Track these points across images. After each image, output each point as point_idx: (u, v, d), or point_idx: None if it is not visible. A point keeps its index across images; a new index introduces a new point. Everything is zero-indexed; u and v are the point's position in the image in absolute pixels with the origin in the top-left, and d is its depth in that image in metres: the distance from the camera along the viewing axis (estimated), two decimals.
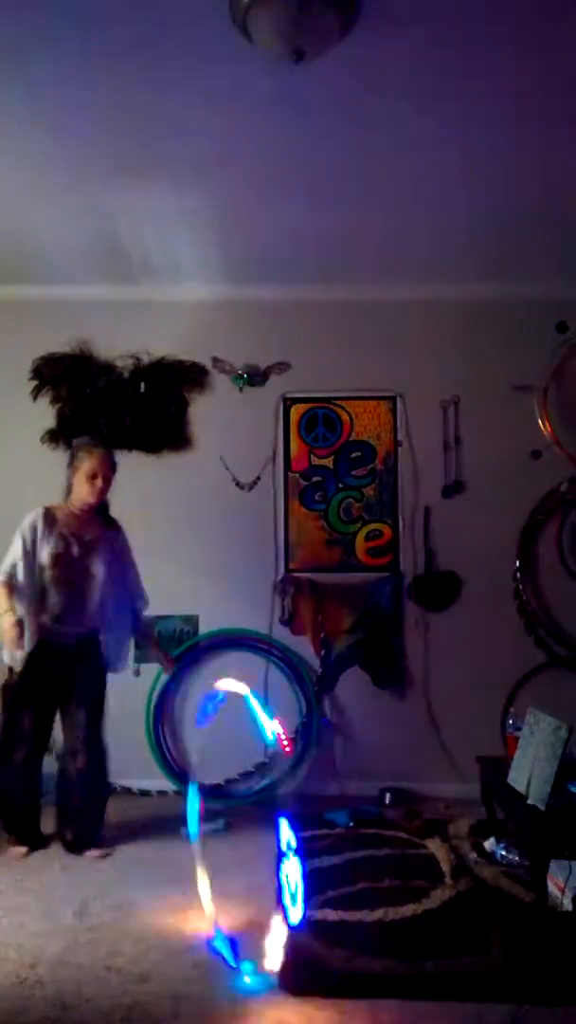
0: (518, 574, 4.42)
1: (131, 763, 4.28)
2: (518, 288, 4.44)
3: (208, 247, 4.06)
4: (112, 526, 3.55)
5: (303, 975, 2.38)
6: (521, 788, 3.05)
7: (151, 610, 4.33)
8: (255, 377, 4.53)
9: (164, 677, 4.33)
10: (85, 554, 3.40)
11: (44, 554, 3.31)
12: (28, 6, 2.38)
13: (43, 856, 3.37)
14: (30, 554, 3.32)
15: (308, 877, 2.99)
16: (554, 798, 2.85)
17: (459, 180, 3.39)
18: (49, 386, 4.50)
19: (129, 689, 4.35)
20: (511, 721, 4.16)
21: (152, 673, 4.36)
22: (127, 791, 4.29)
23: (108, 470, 3.43)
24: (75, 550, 3.38)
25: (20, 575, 3.28)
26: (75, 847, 3.37)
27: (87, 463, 3.40)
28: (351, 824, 3.68)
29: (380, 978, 2.35)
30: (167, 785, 4.31)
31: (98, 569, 3.40)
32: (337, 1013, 2.21)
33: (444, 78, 2.70)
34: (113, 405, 4.46)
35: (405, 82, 2.73)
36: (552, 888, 2.76)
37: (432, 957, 2.44)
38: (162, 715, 4.40)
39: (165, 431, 4.48)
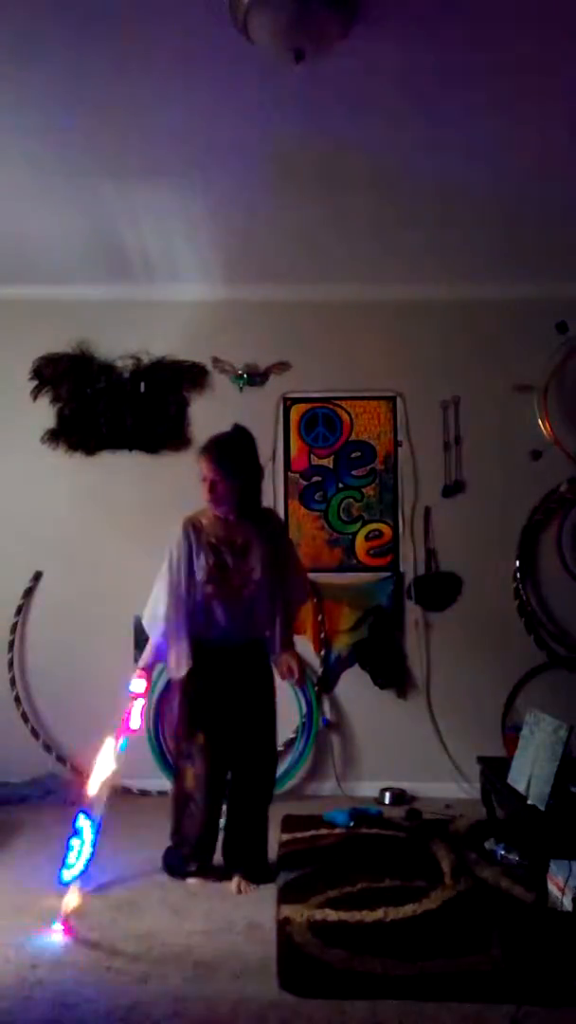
0: (518, 574, 4.42)
1: (131, 763, 4.27)
2: (518, 288, 4.44)
3: (208, 247, 4.06)
4: (263, 520, 3.22)
5: (303, 975, 2.38)
6: (521, 788, 3.05)
7: None
8: (255, 377, 4.53)
9: (164, 677, 4.32)
10: (241, 561, 3.11)
11: (199, 573, 3.07)
12: (28, 7, 2.38)
13: (44, 856, 3.37)
14: (179, 580, 3.07)
15: (307, 877, 3.00)
16: (554, 798, 2.85)
17: (459, 180, 3.39)
18: (49, 386, 4.51)
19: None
20: (511, 721, 4.18)
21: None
22: (127, 791, 4.29)
23: (215, 473, 3.08)
24: (229, 560, 3.10)
25: (172, 607, 3.07)
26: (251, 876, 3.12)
27: (200, 467, 3.14)
28: (351, 824, 3.68)
29: (380, 978, 2.35)
30: (167, 785, 4.30)
31: (256, 573, 3.10)
32: (337, 1013, 2.21)
33: (444, 78, 2.70)
34: (113, 405, 4.46)
35: (405, 82, 2.73)
36: (552, 888, 2.76)
37: (432, 957, 2.44)
38: (162, 715, 4.40)
39: (165, 431, 4.48)
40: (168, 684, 4.32)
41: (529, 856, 2.98)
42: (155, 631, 3.12)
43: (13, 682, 4.41)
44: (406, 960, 2.42)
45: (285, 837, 3.47)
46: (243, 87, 2.74)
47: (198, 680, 3.10)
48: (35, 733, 4.38)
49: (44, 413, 4.50)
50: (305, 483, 4.53)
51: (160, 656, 3.13)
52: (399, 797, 4.19)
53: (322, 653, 4.42)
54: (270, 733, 3.24)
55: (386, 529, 4.51)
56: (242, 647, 3.15)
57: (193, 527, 3.14)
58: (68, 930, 2.67)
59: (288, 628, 3.25)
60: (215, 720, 3.12)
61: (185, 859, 3.16)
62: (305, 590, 3.48)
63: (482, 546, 4.44)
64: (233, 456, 3.10)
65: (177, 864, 3.18)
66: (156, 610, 3.11)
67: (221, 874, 3.15)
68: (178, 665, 3.07)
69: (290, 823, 3.63)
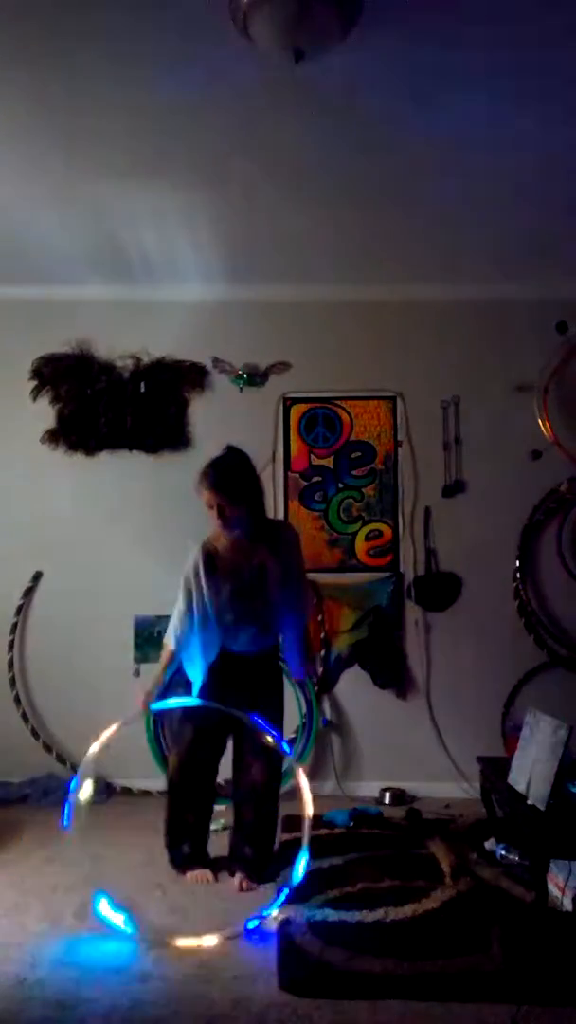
0: (518, 574, 4.42)
1: (131, 763, 4.28)
2: (518, 288, 4.44)
3: (208, 247, 4.06)
4: (275, 536, 3.20)
5: (303, 975, 2.38)
6: (521, 788, 3.05)
7: (152, 610, 4.34)
8: (255, 377, 4.53)
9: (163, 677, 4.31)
10: (258, 581, 3.11)
11: (218, 601, 3.07)
12: (28, 7, 2.38)
13: (44, 856, 3.38)
14: (199, 603, 3.07)
15: (307, 877, 3.00)
16: (554, 798, 2.85)
17: (459, 180, 3.39)
18: (49, 386, 4.51)
19: (129, 689, 4.35)
20: (511, 721, 4.18)
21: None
22: (127, 791, 4.30)
23: (220, 498, 3.04)
24: (248, 583, 3.10)
25: (195, 622, 3.09)
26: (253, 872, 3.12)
27: (201, 497, 3.10)
28: (351, 824, 3.68)
29: (380, 978, 2.35)
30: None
31: (273, 590, 3.12)
32: (337, 1013, 2.21)
33: (444, 78, 2.70)
34: (113, 405, 4.46)
35: (405, 82, 2.73)
36: (552, 888, 2.76)
37: (432, 957, 2.44)
38: (162, 715, 4.40)
39: (165, 431, 4.48)
40: (169, 684, 4.32)
41: (529, 856, 2.98)
42: (183, 652, 3.12)
43: (13, 682, 4.41)
44: (406, 960, 2.42)
45: (285, 837, 3.46)
46: (243, 87, 2.74)
47: (207, 680, 3.12)
48: (35, 733, 4.37)
49: (44, 413, 4.50)
50: (305, 483, 4.53)
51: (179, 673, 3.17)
52: (399, 797, 4.19)
53: (322, 653, 4.41)
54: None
55: (386, 529, 4.51)
56: (256, 654, 3.18)
57: (208, 554, 3.12)
58: None
59: (306, 642, 3.33)
60: (211, 719, 3.12)
61: (172, 849, 3.19)
62: (309, 604, 3.51)
63: (482, 546, 4.44)
64: (234, 477, 3.08)
65: (174, 856, 3.20)
66: (179, 634, 3.11)
67: (224, 871, 3.17)
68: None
69: (290, 823, 3.63)
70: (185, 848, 3.18)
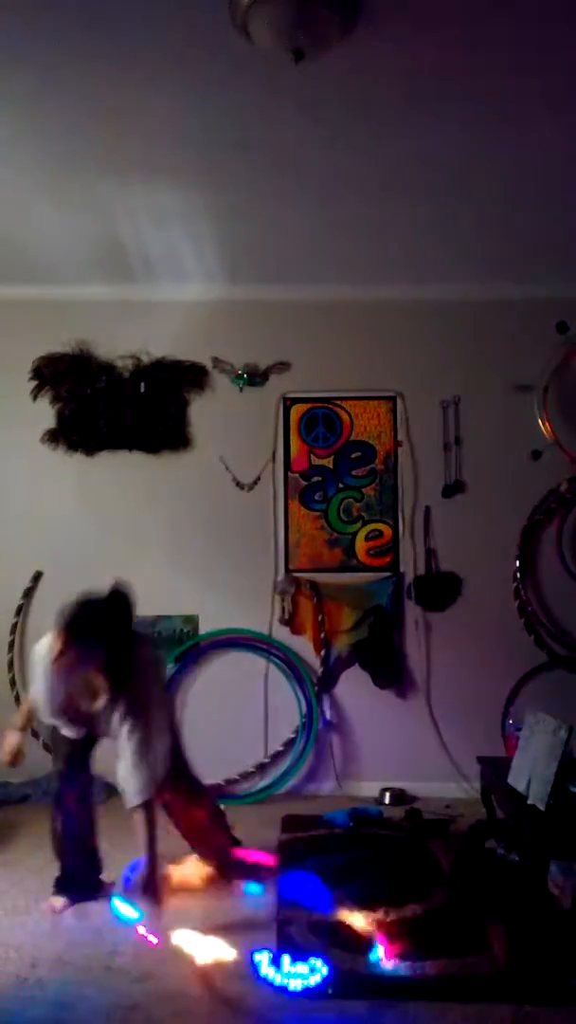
0: (518, 574, 4.42)
1: None
2: (518, 288, 4.44)
3: (208, 247, 4.06)
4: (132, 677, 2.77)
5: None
6: (521, 788, 3.05)
7: (151, 611, 4.32)
8: (255, 377, 4.53)
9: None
10: (102, 714, 2.79)
11: (56, 700, 2.84)
12: (27, 6, 2.38)
13: (44, 856, 3.37)
14: (42, 691, 2.84)
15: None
16: (554, 798, 2.85)
17: (459, 180, 3.39)
18: (49, 386, 4.51)
19: None
20: (511, 721, 4.18)
21: None
22: None
23: (61, 643, 2.67)
24: (86, 707, 2.78)
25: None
26: None
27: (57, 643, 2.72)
28: (351, 824, 3.68)
29: (381, 978, 2.35)
30: None
31: (115, 721, 2.78)
32: (337, 1013, 2.21)
33: (444, 78, 2.70)
34: (113, 405, 4.46)
35: (405, 82, 2.73)
36: (552, 888, 2.76)
37: (433, 957, 2.44)
38: None
39: (165, 431, 4.48)
40: (167, 685, 4.32)
41: (529, 856, 2.98)
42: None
43: (13, 682, 4.41)
44: (406, 960, 2.42)
45: (285, 837, 3.47)
46: (243, 87, 2.74)
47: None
48: (35, 733, 4.36)
49: (44, 413, 4.50)
50: (305, 483, 4.53)
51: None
52: (399, 797, 4.19)
53: (322, 653, 4.42)
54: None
55: (386, 529, 4.51)
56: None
57: (56, 667, 2.74)
58: None
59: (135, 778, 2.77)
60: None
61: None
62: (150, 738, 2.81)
63: (482, 546, 4.44)
64: (90, 632, 2.65)
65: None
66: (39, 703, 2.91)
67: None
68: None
69: (290, 823, 3.64)
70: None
